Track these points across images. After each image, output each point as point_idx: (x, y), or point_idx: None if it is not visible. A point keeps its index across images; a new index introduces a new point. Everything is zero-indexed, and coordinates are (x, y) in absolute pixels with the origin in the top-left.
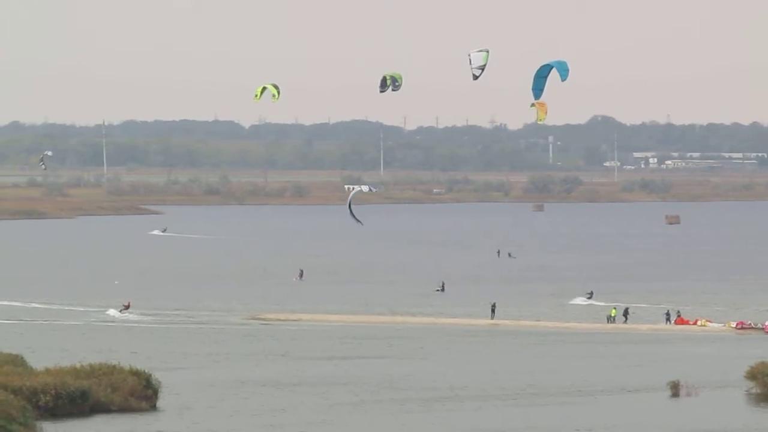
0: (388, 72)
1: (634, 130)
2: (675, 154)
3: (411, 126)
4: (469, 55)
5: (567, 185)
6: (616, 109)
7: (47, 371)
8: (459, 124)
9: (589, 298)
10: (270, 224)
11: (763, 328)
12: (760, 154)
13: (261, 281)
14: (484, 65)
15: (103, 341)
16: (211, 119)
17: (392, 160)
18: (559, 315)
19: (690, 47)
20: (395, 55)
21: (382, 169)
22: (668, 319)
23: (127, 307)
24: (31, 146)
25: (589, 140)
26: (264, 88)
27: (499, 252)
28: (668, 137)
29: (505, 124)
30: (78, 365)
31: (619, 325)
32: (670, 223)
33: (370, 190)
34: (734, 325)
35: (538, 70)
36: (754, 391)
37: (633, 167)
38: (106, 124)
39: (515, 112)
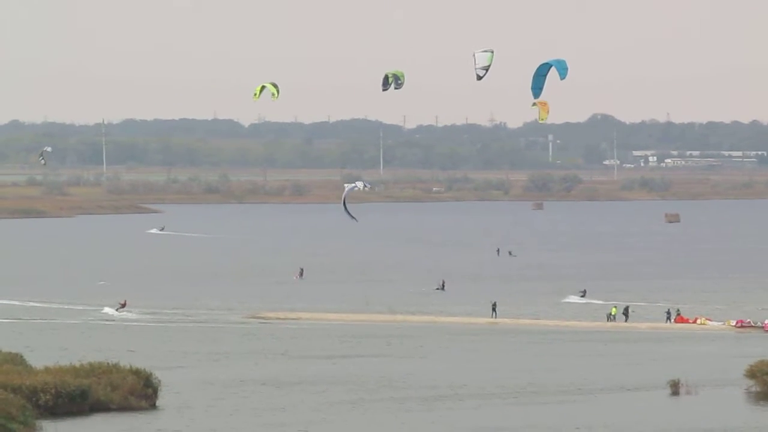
0: (390, 70)
1: (634, 129)
2: (675, 153)
3: (410, 124)
4: (474, 55)
5: (566, 184)
6: (616, 108)
7: (47, 370)
8: (458, 123)
9: (582, 296)
10: (269, 223)
11: (762, 327)
12: (759, 153)
13: (260, 280)
14: (488, 66)
15: (103, 340)
16: (210, 118)
17: (392, 158)
18: (558, 313)
19: (690, 47)
20: (395, 54)
21: (381, 167)
22: (669, 318)
23: (123, 306)
24: (31, 145)
25: (589, 139)
26: (263, 87)
27: (498, 250)
28: (668, 135)
29: (504, 123)
30: (78, 364)
31: (618, 324)
32: (670, 222)
33: (365, 186)
34: (734, 324)
35: (537, 69)
36: (753, 389)
37: (632, 165)
38: (105, 122)
39: (515, 111)
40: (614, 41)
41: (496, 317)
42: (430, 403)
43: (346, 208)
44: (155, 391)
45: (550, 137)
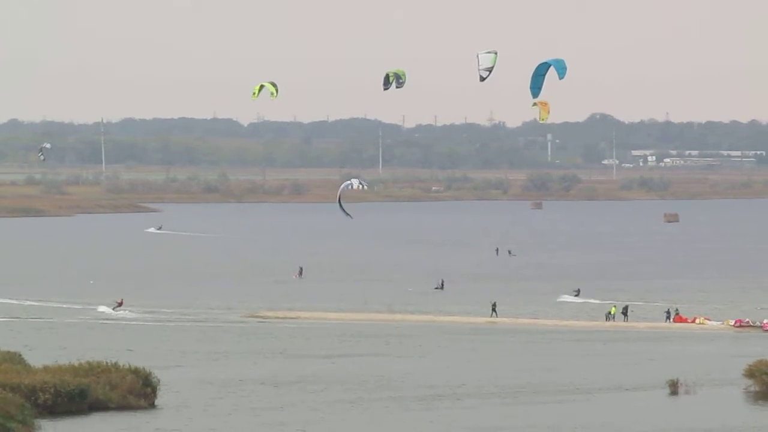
0: (392, 69)
1: (633, 128)
2: (673, 152)
3: (410, 124)
4: (478, 56)
5: (565, 183)
6: (615, 107)
7: (46, 369)
8: (458, 122)
9: (576, 295)
10: (268, 222)
11: (761, 326)
12: (758, 152)
13: (259, 279)
14: (492, 67)
15: (101, 339)
16: (209, 117)
17: (391, 158)
18: (557, 313)
19: (690, 47)
20: (394, 53)
21: (380, 167)
22: (668, 318)
23: (120, 304)
24: (30, 144)
25: (588, 138)
26: (262, 87)
27: (497, 250)
28: (667, 135)
29: (503, 122)
30: (76, 363)
31: (617, 323)
32: (669, 221)
33: (360, 184)
34: (733, 323)
35: (536, 69)
36: (752, 389)
37: (631, 165)
38: (104, 121)
39: (514, 110)
40: (614, 41)
41: (496, 317)
42: (429, 403)
43: (341, 205)
44: (154, 390)
45: (549, 137)
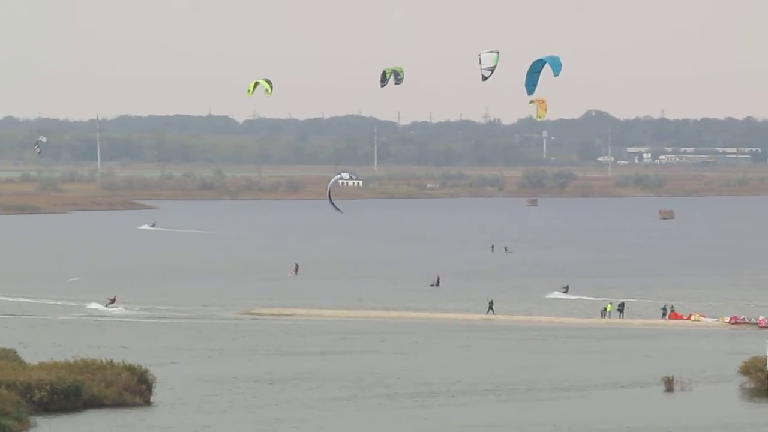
0: (389, 66)
1: (628, 125)
2: (669, 149)
3: (405, 121)
4: (480, 56)
5: (561, 180)
6: (610, 104)
7: (41, 366)
8: (453, 119)
9: (564, 291)
10: (264, 219)
11: (756, 323)
12: (753, 149)
13: (255, 276)
14: (494, 66)
15: (96, 336)
16: (205, 114)
17: (386, 155)
18: (552, 310)
19: (688, 47)
20: (393, 53)
21: (376, 164)
22: (664, 315)
23: (112, 301)
24: (25, 141)
25: (583, 135)
26: (257, 83)
27: (493, 247)
28: (662, 132)
29: (499, 119)
30: (72, 360)
31: (613, 320)
32: (664, 218)
33: (351, 178)
34: (728, 320)
35: (531, 66)
36: (747, 385)
37: (627, 162)
38: (100, 119)
39: (509, 107)
40: (612, 40)
41: (493, 314)
42: (424, 400)
43: (331, 200)
44: (149, 388)
45: (545, 134)
